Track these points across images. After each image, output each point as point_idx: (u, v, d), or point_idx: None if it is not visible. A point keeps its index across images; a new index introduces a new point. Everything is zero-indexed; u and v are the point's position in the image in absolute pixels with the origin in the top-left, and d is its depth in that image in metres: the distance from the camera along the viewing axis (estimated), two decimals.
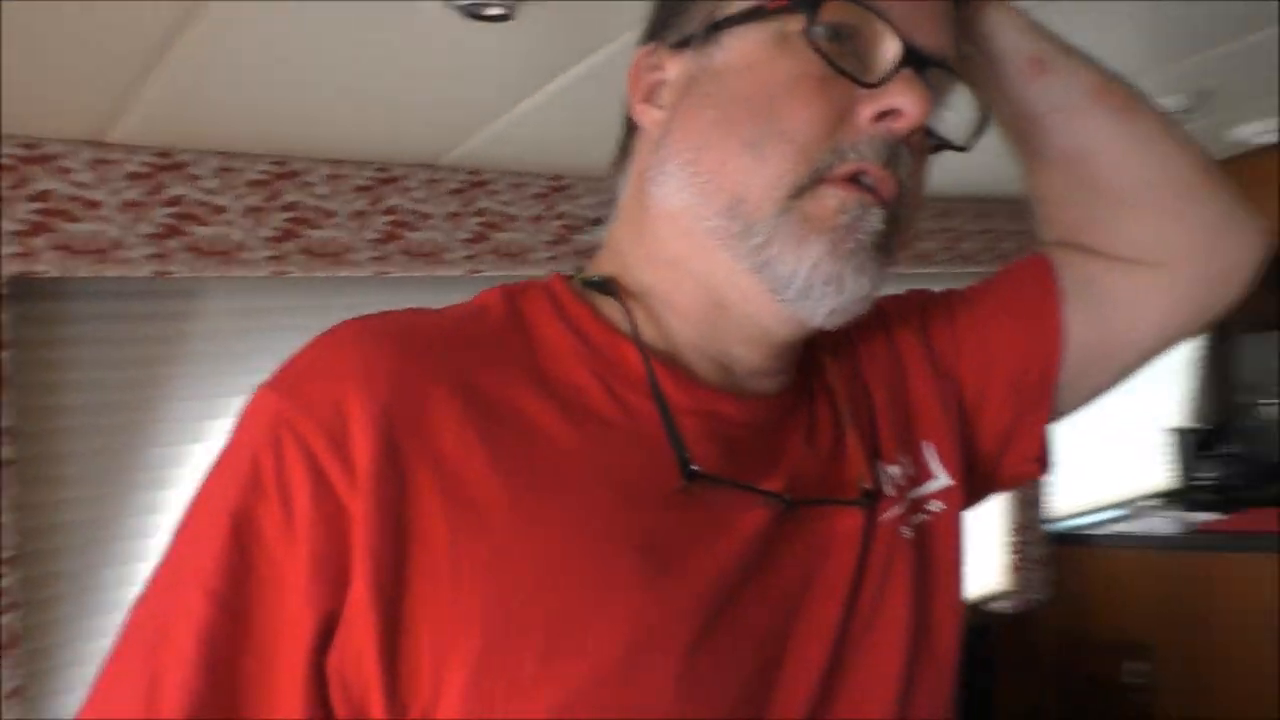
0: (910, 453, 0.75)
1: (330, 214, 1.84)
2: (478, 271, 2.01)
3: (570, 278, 0.72)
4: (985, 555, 3.06)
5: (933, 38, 0.65)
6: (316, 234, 1.82)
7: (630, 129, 0.73)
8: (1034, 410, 0.80)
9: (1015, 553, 3.12)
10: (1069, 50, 0.77)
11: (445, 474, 0.58)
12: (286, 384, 0.60)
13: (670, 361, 0.67)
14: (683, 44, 0.68)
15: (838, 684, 0.64)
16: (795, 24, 0.62)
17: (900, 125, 0.62)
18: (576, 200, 2.16)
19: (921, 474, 0.75)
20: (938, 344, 0.80)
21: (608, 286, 0.69)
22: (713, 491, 0.63)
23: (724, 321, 0.67)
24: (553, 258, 2.11)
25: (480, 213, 2.02)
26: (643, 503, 0.61)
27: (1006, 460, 0.81)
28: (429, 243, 1.94)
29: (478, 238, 2.01)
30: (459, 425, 0.59)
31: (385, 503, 0.56)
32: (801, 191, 0.62)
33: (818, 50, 0.61)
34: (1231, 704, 2.76)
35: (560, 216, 2.13)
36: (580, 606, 0.57)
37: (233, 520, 0.56)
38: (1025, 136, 0.80)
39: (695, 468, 0.62)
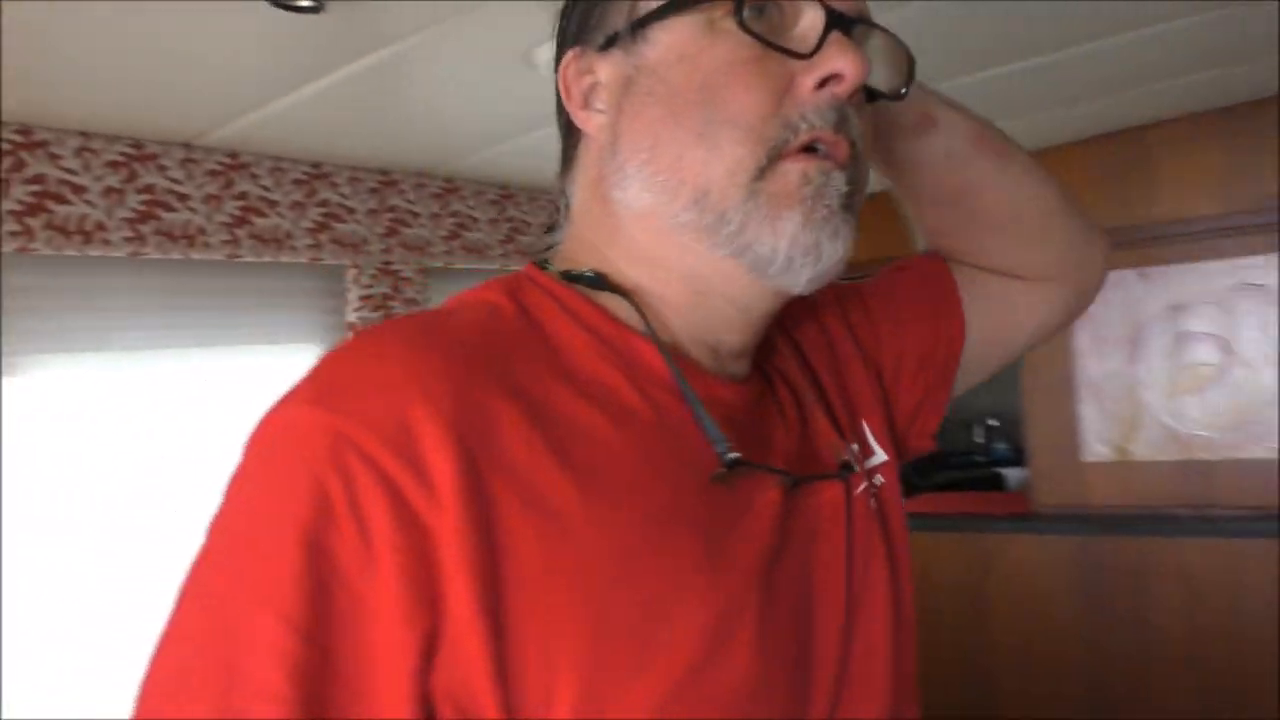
0: (855, 430, 0.79)
1: (81, 189, 1.74)
2: (237, 256, 1.96)
3: (543, 270, 0.71)
4: None
5: (852, 1, 0.66)
6: (66, 210, 1.72)
7: (571, 134, 0.73)
8: (939, 390, 0.87)
9: None
10: (950, 104, 0.84)
11: (520, 481, 0.56)
12: (335, 400, 0.56)
13: (676, 353, 0.68)
14: (609, 44, 0.67)
15: (852, 646, 0.68)
16: (719, 10, 0.63)
17: (842, 89, 0.63)
18: (337, 188, 2.16)
19: (865, 450, 0.79)
20: (858, 330, 0.85)
21: (604, 283, 0.68)
22: (735, 476, 0.64)
23: (709, 309, 0.68)
24: (313, 245, 2.09)
25: (240, 196, 1.97)
26: (686, 492, 0.62)
27: (911, 435, 0.87)
28: (189, 224, 1.87)
29: (237, 221, 1.96)
30: (520, 430, 0.58)
31: (473, 517, 0.54)
32: (762, 172, 0.62)
33: (751, 32, 0.62)
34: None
35: (322, 204, 2.12)
36: (665, 597, 0.57)
37: (304, 549, 0.52)
38: (916, 180, 0.86)
39: (736, 455, 0.63)
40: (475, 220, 2.47)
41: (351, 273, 2.20)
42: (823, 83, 0.63)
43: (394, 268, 2.27)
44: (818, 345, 0.82)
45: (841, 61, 0.62)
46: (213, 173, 1.93)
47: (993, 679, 2.95)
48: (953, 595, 3.06)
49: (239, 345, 2.05)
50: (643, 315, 0.67)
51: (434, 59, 1.68)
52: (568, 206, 0.74)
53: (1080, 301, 0.93)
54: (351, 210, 2.18)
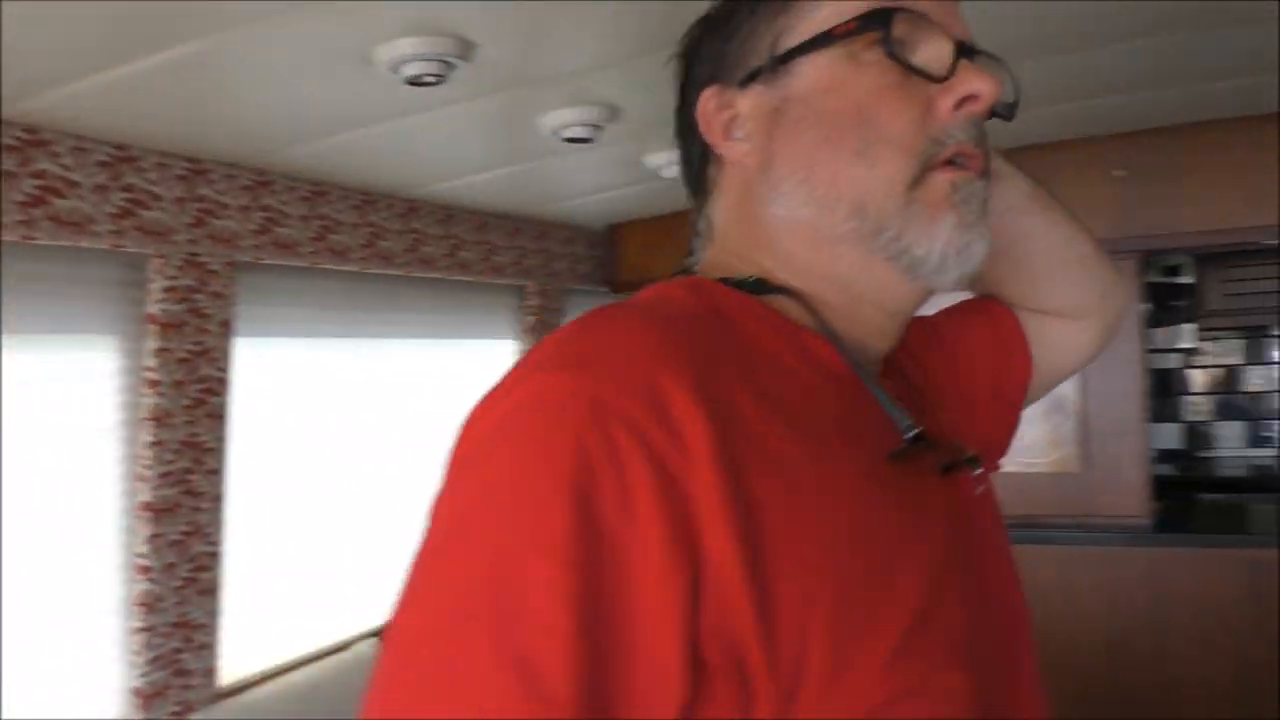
0: None
1: None
2: (32, 239, 1.84)
3: (693, 276, 0.77)
4: None
5: (965, 31, 0.74)
6: None
7: (706, 163, 0.80)
8: (1009, 418, 0.97)
9: None
10: (1008, 162, 0.93)
11: (757, 444, 0.60)
12: (590, 367, 0.59)
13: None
14: (749, 80, 0.75)
15: (1011, 633, 0.74)
16: (859, 43, 0.71)
17: (978, 107, 0.72)
18: (144, 173, 2.05)
19: None
20: (943, 360, 0.92)
21: (769, 287, 0.74)
22: (909, 455, 0.69)
23: (858, 312, 0.75)
24: (115, 231, 1.98)
25: (38, 175, 1.84)
26: (878, 467, 0.67)
27: (987, 459, 0.92)
28: None
29: (34, 201, 1.84)
30: (750, 399, 0.62)
31: (725, 477, 0.57)
32: (915, 183, 0.70)
33: (900, 60, 0.70)
34: None
35: (127, 189, 2.00)
36: (890, 558, 0.62)
37: (573, 499, 0.55)
38: None
39: (918, 429, 0.69)
40: (286, 215, 2.41)
41: (156, 262, 2.10)
42: (961, 102, 0.71)
43: (201, 259, 2.18)
44: (913, 369, 0.89)
45: (978, 83, 0.71)
46: (9, 148, 1.80)
47: None
48: None
49: (28, 334, 1.92)
50: (814, 311, 0.73)
51: (269, 49, 1.64)
52: (709, 226, 0.81)
53: (1111, 332, 1.05)
54: (158, 197, 2.08)
